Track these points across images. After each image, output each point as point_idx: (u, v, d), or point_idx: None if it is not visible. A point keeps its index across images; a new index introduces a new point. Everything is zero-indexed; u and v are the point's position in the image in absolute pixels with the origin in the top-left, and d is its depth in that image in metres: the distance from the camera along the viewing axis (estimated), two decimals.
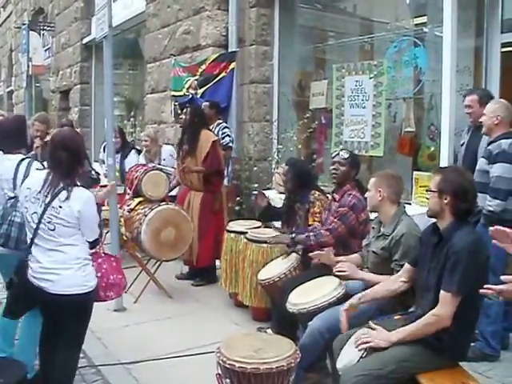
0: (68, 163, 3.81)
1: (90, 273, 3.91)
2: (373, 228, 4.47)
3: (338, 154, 5.25)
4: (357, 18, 8.76)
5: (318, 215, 5.57)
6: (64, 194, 3.74)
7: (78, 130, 15.13)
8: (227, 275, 6.23)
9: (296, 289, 4.65)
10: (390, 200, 4.23)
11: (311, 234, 5.05)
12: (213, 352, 4.94)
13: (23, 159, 4.49)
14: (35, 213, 3.78)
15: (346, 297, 4.27)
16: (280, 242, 5.47)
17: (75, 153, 3.89)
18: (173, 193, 7.72)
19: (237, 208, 8.04)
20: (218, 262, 7.09)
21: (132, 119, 13.92)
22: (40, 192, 3.78)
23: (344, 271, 4.30)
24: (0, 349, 4.80)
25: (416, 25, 7.20)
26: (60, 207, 3.73)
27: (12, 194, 4.34)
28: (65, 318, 3.91)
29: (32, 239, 3.82)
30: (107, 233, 6.65)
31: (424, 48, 6.54)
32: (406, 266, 3.83)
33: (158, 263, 6.89)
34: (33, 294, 3.89)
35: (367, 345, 3.41)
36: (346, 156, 5.16)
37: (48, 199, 3.74)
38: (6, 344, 4.77)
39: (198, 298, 6.81)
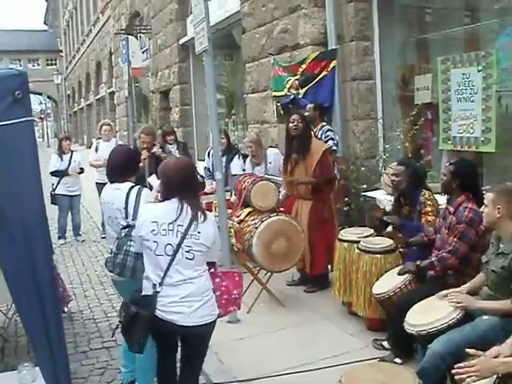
0: (196, 188, 3.97)
1: (214, 301, 3.97)
2: (492, 243, 4.26)
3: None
4: (461, 3, 8.35)
5: (430, 213, 5.49)
6: (201, 218, 3.80)
7: (180, 130, 15.43)
8: (340, 284, 6.11)
9: (413, 307, 4.53)
10: (509, 216, 4.03)
11: (434, 258, 4.88)
12: (329, 367, 4.98)
13: (132, 187, 4.55)
14: (169, 244, 3.78)
15: (466, 317, 4.13)
16: (407, 272, 5.19)
17: (195, 180, 4.02)
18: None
19: (345, 209, 7.91)
20: (330, 267, 7.02)
21: (233, 117, 13.98)
22: (172, 223, 3.78)
23: (460, 303, 4.16)
24: (124, 365, 4.97)
25: None
26: (199, 232, 3.78)
27: (124, 223, 4.38)
28: (189, 347, 4.02)
29: (165, 272, 3.79)
30: None
31: None
32: None
33: (270, 273, 6.86)
34: (157, 326, 3.88)
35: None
36: (449, 165, 5.04)
37: (184, 227, 3.77)
38: (130, 361, 4.89)
39: (311, 306, 6.72)
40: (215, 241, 3.92)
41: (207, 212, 3.96)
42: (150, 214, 3.93)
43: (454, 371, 3.30)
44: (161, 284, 3.80)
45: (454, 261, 4.74)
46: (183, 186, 3.84)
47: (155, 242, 3.80)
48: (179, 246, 3.75)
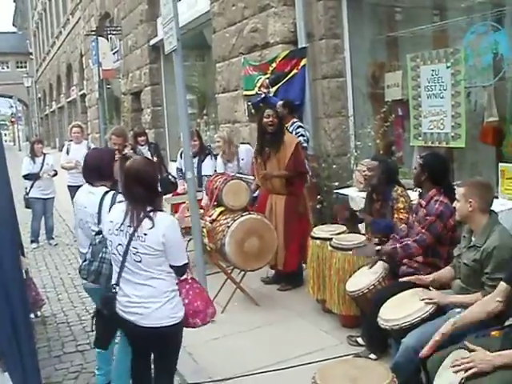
0: (145, 194, 3.81)
1: (178, 303, 3.92)
2: (464, 237, 4.29)
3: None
4: (430, 2, 8.40)
5: (402, 210, 5.49)
6: (147, 221, 3.74)
7: (152, 131, 15.33)
8: (314, 282, 6.12)
9: (386, 302, 4.53)
10: (481, 210, 4.07)
11: (398, 245, 4.91)
12: (304, 365, 4.97)
13: (107, 192, 4.44)
14: (120, 245, 3.79)
15: (439, 311, 4.15)
16: (365, 255, 5.32)
17: (151, 184, 3.91)
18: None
19: (318, 206, 7.92)
20: (304, 265, 7.00)
21: (205, 117, 13.92)
22: (123, 223, 3.78)
23: (432, 299, 4.17)
24: (99, 367, 4.90)
25: (495, 6, 6.79)
26: (145, 235, 3.72)
27: (96, 229, 4.28)
28: (155, 349, 4.01)
29: (120, 272, 3.83)
30: (189, 240, 6.69)
31: (505, 33, 6.18)
32: (502, 284, 3.64)
33: (243, 272, 6.85)
34: (122, 325, 3.97)
35: (470, 371, 3.16)
36: (420, 158, 5.11)
37: (132, 229, 3.75)
38: (104, 363, 4.84)
39: (285, 304, 6.72)
40: (172, 243, 3.77)
41: (164, 214, 3.89)
42: (111, 213, 4.00)
43: (451, 369, 3.28)
44: (117, 284, 3.85)
45: (418, 250, 4.80)
46: (132, 189, 3.81)
47: (110, 241, 3.86)
48: (127, 247, 3.75)
